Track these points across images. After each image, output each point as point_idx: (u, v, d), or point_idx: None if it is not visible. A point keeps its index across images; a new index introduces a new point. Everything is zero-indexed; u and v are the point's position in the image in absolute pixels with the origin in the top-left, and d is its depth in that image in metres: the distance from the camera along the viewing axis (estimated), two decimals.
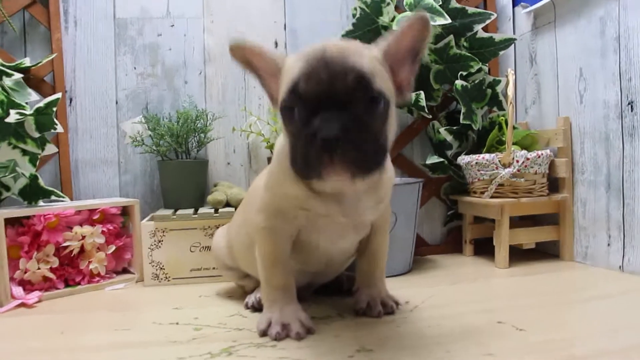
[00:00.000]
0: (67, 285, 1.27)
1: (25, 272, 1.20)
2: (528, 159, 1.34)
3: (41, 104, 1.24)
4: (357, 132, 0.70)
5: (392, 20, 1.41)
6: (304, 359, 0.78)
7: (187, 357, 0.80)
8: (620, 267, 1.24)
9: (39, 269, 1.21)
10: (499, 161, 1.35)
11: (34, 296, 1.17)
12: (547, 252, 1.50)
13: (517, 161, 1.34)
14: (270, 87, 0.86)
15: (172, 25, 1.54)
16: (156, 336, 0.92)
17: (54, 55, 1.42)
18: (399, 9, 1.47)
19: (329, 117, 0.69)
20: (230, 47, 0.83)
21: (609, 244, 1.28)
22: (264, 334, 0.89)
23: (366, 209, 0.90)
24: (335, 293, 1.16)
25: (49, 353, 0.85)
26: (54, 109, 1.27)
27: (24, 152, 1.26)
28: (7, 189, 1.28)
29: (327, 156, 0.69)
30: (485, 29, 1.47)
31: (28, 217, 1.22)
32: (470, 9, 1.41)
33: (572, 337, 0.84)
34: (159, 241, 1.31)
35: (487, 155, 1.37)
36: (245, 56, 0.84)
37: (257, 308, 1.04)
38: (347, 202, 0.86)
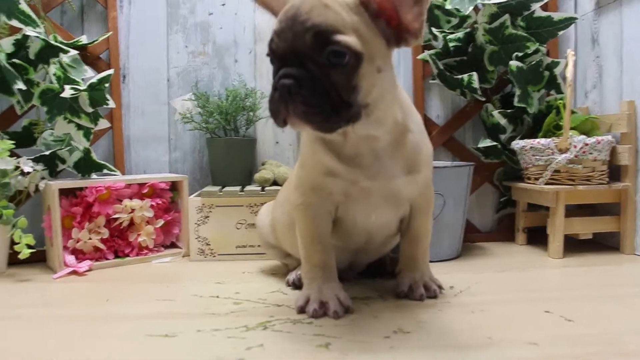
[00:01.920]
0: (116, 256, 1.31)
1: (78, 242, 1.25)
2: (586, 144, 1.27)
3: (94, 80, 1.28)
4: (312, 85, 0.75)
5: None
6: (339, 337, 0.77)
7: (222, 329, 0.81)
8: None
9: (90, 239, 1.26)
10: (555, 146, 1.29)
11: (85, 265, 1.22)
12: (605, 243, 1.42)
13: (575, 147, 1.27)
14: None
15: (223, 4, 1.54)
16: (196, 308, 0.93)
17: (109, 34, 1.46)
18: None
19: (286, 73, 0.75)
20: None
21: None
22: (301, 310, 0.88)
23: (393, 174, 0.88)
24: (379, 275, 1.14)
25: (92, 319, 0.88)
26: (106, 85, 1.30)
27: (79, 127, 1.30)
28: (63, 161, 1.34)
29: (283, 106, 0.76)
30: (544, 8, 1.40)
31: (81, 189, 1.27)
32: None
33: (622, 332, 0.79)
34: (206, 217, 1.33)
35: (542, 140, 1.30)
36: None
37: (298, 285, 1.04)
38: (366, 163, 0.86)
